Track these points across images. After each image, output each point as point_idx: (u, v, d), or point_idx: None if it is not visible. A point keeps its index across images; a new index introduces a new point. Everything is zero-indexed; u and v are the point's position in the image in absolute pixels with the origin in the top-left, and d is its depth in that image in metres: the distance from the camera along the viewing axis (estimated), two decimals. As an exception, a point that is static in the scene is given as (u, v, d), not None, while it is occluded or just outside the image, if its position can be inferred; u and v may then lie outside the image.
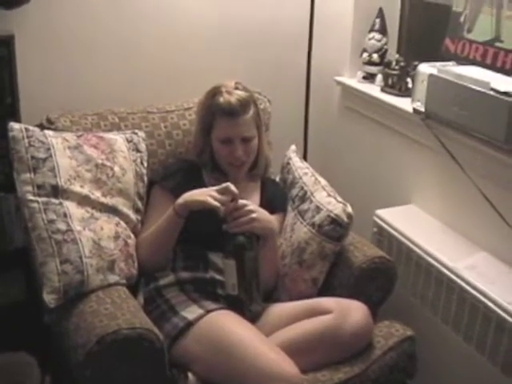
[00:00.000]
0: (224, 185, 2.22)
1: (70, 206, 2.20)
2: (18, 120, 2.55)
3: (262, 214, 2.29)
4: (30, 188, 2.19)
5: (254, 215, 2.22)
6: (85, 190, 2.25)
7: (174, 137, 2.66)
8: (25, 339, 2.60)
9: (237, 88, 2.45)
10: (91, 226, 2.21)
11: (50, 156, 2.24)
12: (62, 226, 2.16)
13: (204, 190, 2.25)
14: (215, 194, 2.19)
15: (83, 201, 2.24)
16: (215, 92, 2.44)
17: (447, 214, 2.69)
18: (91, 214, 2.24)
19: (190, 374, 2.07)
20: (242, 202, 2.23)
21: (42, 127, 2.43)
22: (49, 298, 2.09)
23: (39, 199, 2.18)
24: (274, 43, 3.13)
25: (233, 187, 2.21)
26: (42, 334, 2.33)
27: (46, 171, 2.21)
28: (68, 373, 2.09)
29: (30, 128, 2.28)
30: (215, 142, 2.45)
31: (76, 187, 2.24)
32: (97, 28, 2.77)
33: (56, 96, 2.72)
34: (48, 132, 2.32)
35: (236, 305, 2.20)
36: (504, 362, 2.19)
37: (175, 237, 2.31)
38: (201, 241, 2.34)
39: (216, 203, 2.17)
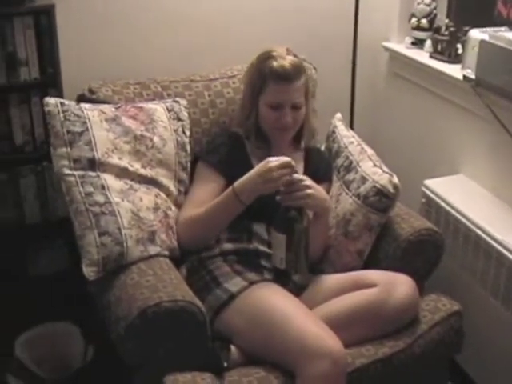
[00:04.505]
0: (285, 159, 2.13)
1: (108, 179, 2.19)
2: (59, 90, 2.57)
3: (318, 190, 2.22)
4: (66, 162, 2.18)
5: (309, 191, 2.16)
6: (123, 162, 2.24)
7: (217, 105, 2.63)
8: (70, 309, 2.63)
9: (288, 54, 2.40)
10: (130, 197, 2.20)
11: (87, 129, 2.22)
12: (100, 199, 2.14)
13: (262, 172, 2.12)
14: (277, 176, 2.10)
15: (121, 173, 2.22)
16: (267, 56, 2.38)
17: (497, 184, 2.62)
18: (130, 186, 2.22)
19: (232, 347, 2.05)
20: (298, 176, 2.17)
21: (83, 97, 2.43)
22: (88, 271, 2.09)
23: (76, 173, 2.17)
24: (320, 8, 3.07)
25: (293, 162, 2.14)
26: (87, 303, 2.33)
27: (82, 145, 2.20)
28: (111, 343, 2.09)
29: (66, 102, 2.26)
30: (263, 106, 2.39)
31: (114, 159, 2.22)
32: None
33: (98, 65, 2.71)
34: (84, 105, 2.30)
35: (281, 278, 2.17)
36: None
37: (231, 219, 2.25)
38: (245, 212, 2.28)
39: (280, 186, 2.11)
